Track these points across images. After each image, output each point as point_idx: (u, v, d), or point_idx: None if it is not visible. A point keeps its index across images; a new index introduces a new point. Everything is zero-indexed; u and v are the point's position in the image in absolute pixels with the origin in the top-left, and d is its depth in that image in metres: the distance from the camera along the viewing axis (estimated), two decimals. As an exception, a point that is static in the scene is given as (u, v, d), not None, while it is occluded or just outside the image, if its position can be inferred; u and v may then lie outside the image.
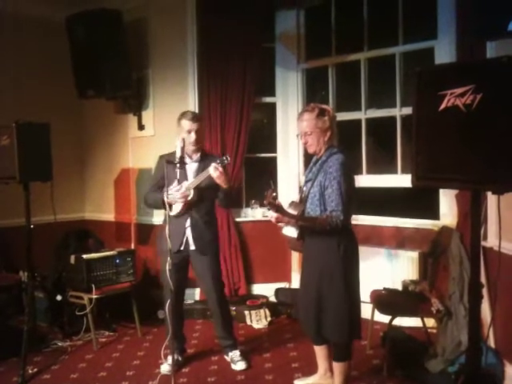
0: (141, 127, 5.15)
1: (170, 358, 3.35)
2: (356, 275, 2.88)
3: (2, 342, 3.83)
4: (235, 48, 4.77)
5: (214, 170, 3.24)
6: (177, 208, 3.38)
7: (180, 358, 3.62)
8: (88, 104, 5.40)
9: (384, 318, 3.59)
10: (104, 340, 4.21)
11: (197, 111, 4.83)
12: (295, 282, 4.94)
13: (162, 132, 4.83)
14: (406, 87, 4.44)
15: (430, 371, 3.26)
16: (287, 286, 5.03)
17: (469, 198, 2.11)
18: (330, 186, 2.74)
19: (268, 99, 5.21)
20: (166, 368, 3.46)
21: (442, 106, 1.96)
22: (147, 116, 5.09)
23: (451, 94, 1.92)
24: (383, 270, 4.28)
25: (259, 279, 5.10)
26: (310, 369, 3.34)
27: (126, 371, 3.60)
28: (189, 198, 3.35)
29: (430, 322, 3.77)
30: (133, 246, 5.17)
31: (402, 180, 4.42)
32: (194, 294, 4.85)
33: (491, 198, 3.27)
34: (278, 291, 4.92)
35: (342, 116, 4.79)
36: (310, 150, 2.93)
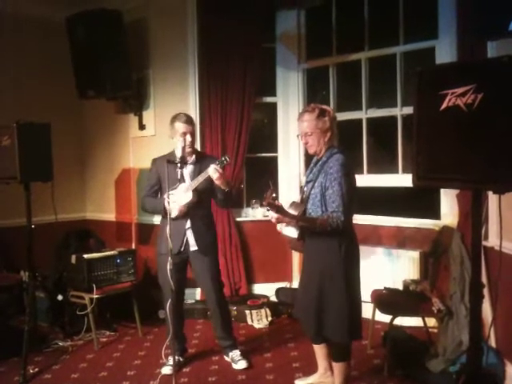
0: (141, 127, 5.15)
1: (170, 358, 3.35)
2: (357, 275, 2.88)
3: (3, 342, 3.84)
4: (236, 48, 4.77)
5: (213, 172, 3.24)
6: (175, 211, 3.37)
7: (181, 359, 3.62)
8: (88, 104, 5.40)
9: (385, 318, 3.59)
10: (105, 340, 4.21)
11: (197, 111, 4.85)
12: (296, 282, 4.94)
13: (163, 132, 4.81)
14: (406, 87, 4.44)
15: (430, 371, 3.26)
16: (288, 286, 5.04)
17: (470, 197, 2.11)
18: (330, 186, 2.74)
19: (269, 99, 5.21)
20: (166, 369, 3.45)
21: (443, 106, 1.96)
22: (148, 116, 5.10)
23: (452, 94, 1.92)
24: (384, 269, 4.28)
25: (260, 279, 5.10)
26: (310, 368, 3.34)
27: (126, 371, 3.60)
28: (188, 200, 3.35)
29: (431, 322, 3.77)
30: (133, 246, 5.18)
31: (402, 180, 4.42)
32: (195, 294, 4.85)
33: (492, 198, 3.27)
34: (278, 291, 4.92)
35: (343, 116, 4.79)
36: (311, 151, 2.93)
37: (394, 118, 4.56)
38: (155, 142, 4.93)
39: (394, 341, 3.46)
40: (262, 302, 4.67)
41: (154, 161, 3.57)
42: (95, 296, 3.99)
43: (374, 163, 4.81)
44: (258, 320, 4.50)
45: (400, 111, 4.50)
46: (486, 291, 2.95)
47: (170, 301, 3.09)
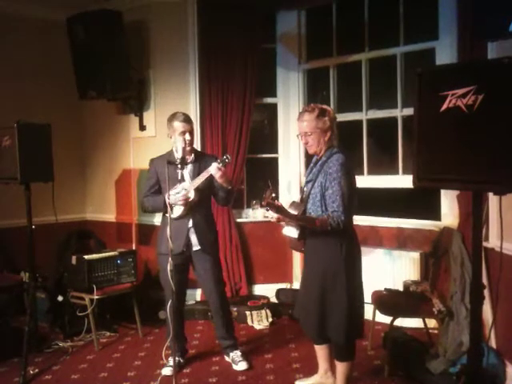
0: (142, 128, 5.15)
1: (171, 359, 3.35)
2: (359, 275, 2.88)
3: (4, 343, 3.84)
4: (236, 49, 4.77)
5: (216, 170, 3.24)
6: (178, 210, 3.38)
7: (181, 360, 3.62)
8: (89, 104, 5.41)
9: (385, 319, 3.59)
10: (105, 341, 4.21)
11: (198, 112, 4.85)
12: (296, 283, 4.94)
13: (164, 132, 4.75)
14: (406, 88, 4.44)
15: (431, 372, 3.25)
16: (288, 287, 5.03)
17: (470, 198, 2.11)
18: (330, 186, 2.74)
19: (269, 100, 5.22)
20: (167, 370, 3.45)
21: (444, 107, 1.96)
22: (148, 116, 5.10)
23: (452, 95, 1.92)
24: (384, 270, 4.28)
25: (260, 280, 5.11)
26: (311, 369, 3.34)
27: (127, 372, 3.60)
28: (190, 199, 3.35)
29: (432, 323, 3.77)
30: (134, 247, 5.18)
31: (403, 181, 4.42)
32: (195, 295, 4.85)
33: (493, 199, 3.27)
34: (279, 292, 4.92)
35: (343, 117, 4.80)
36: (311, 151, 2.93)
37: (394, 119, 4.56)
38: (156, 142, 4.93)
39: (395, 342, 3.46)
40: (262, 303, 4.67)
41: (152, 161, 3.57)
42: (95, 297, 3.99)
43: (375, 164, 4.81)
44: (259, 321, 4.50)
45: (400, 112, 4.51)
46: (486, 292, 2.94)
47: (170, 301, 3.08)
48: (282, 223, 2.89)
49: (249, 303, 4.67)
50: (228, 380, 3.43)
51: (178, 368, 3.46)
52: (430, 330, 3.76)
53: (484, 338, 3.01)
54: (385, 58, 4.61)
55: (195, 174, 3.41)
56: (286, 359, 3.72)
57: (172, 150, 3.48)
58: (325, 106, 2.91)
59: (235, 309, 4.49)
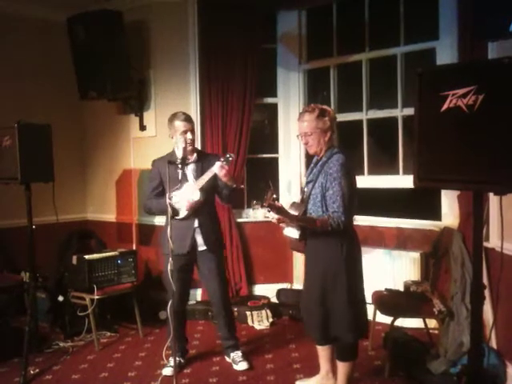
0: (142, 128, 5.15)
1: (171, 359, 3.34)
2: (359, 274, 2.89)
3: (4, 343, 3.84)
4: (237, 49, 4.77)
5: (219, 169, 3.24)
6: (184, 211, 3.37)
7: (182, 360, 3.62)
8: (89, 105, 5.41)
9: (386, 319, 3.59)
10: (105, 341, 4.21)
11: (198, 112, 4.85)
12: (297, 283, 4.94)
13: (164, 133, 4.76)
14: (407, 88, 4.44)
15: (431, 372, 3.25)
16: (289, 287, 5.03)
17: (470, 198, 2.11)
18: (330, 187, 2.74)
19: (269, 100, 5.22)
20: (167, 371, 3.45)
21: (444, 107, 1.96)
22: (149, 117, 5.10)
23: (453, 95, 1.92)
24: (385, 270, 4.28)
25: (261, 280, 5.11)
26: (311, 370, 3.34)
27: (127, 372, 3.60)
28: (195, 200, 3.34)
29: (432, 323, 3.76)
30: (134, 247, 5.18)
31: (403, 181, 4.42)
32: (196, 295, 4.85)
33: (493, 199, 3.27)
34: (279, 292, 4.91)
35: (344, 117, 4.80)
36: (311, 151, 2.93)
37: (394, 119, 4.56)
38: (156, 142, 4.93)
39: (395, 342, 3.46)
40: (262, 303, 4.67)
41: (154, 162, 3.56)
42: (96, 297, 3.99)
43: (375, 164, 4.81)
44: (259, 321, 4.49)
45: (401, 112, 4.50)
46: (487, 292, 2.94)
47: (170, 301, 3.08)
48: (283, 224, 2.89)
49: (249, 303, 4.67)
50: (228, 380, 3.43)
51: (179, 368, 3.46)
52: (431, 331, 3.76)
53: (485, 338, 3.00)
54: (385, 58, 4.61)
55: (198, 173, 3.41)
56: (286, 359, 3.72)
57: (173, 151, 3.48)
58: (325, 107, 2.91)
59: (236, 309, 4.48)
